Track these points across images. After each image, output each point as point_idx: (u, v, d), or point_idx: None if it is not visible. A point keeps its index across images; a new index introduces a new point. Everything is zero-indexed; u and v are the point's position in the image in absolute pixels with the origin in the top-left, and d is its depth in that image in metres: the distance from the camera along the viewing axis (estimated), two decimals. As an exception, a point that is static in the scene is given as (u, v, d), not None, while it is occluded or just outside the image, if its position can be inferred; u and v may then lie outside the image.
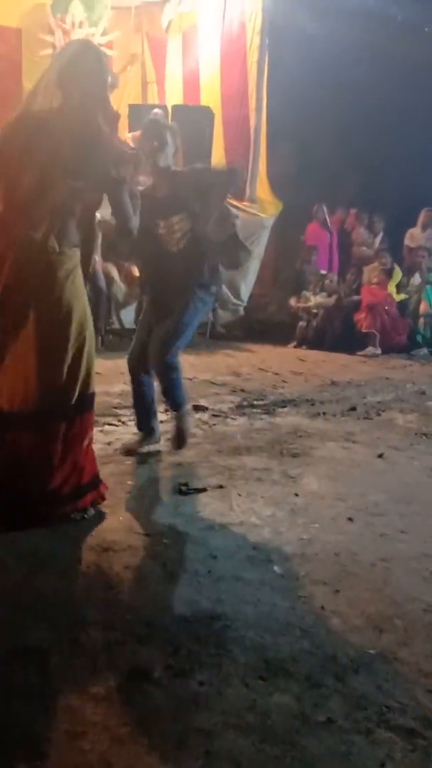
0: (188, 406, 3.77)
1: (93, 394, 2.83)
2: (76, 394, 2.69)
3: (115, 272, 7.17)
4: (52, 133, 2.52)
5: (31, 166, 2.50)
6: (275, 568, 2.46)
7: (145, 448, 3.67)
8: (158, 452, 3.66)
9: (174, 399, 3.63)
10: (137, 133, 7.99)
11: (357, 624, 2.14)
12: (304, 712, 1.73)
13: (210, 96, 9.01)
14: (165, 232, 3.54)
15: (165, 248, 3.57)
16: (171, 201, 3.49)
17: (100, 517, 2.78)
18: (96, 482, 2.84)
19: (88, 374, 2.75)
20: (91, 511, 2.77)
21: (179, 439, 3.66)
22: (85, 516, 2.75)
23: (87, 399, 2.77)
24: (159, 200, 3.50)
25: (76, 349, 2.67)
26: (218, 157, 8.76)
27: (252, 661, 1.92)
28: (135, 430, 3.98)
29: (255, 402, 4.95)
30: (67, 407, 2.66)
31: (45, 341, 2.58)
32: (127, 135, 8.29)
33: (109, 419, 4.25)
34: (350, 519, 2.93)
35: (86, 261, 2.72)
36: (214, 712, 1.71)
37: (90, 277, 7.18)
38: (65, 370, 2.64)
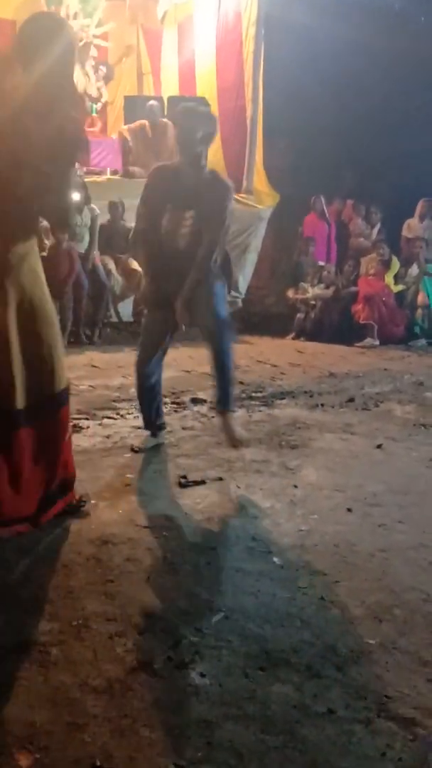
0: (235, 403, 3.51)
1: (68, 389, 2.70)
2: (52, 387, 2.58)
3: (112, 265, 7.15)
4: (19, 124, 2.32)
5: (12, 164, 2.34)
6: (275, 559, 2.47)
7: (152, 442, 3.63)
8: (157, 445, 3.65)
9: (227, 375, 3.39)
10: (134, 124, 8.00)
11: (357, 614, 2.15)
12: (305, 703, 1.74)
13: (206, 87, 8.96)
14: (170, 224, 3.30)
15: (171, 242, 3.32)
16: (192, 195, 3.26)
17: (98, 510, 2.79)
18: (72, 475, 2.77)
19: (56, 366, 2.61)
20: (86, 503, 2.77)
21: (231, 440, 3.41)
22: (82, 507, 2.74)
23: (64, 394, 2.66)
24: (178, 187, 3.28)
25: (40, 339, 2.55)
26: (215, 148, 8.72)
27: (252, 652, 1.93)
28: (133, 423, 3.99)
29: (253, 394, 4.95)
30: (45, 403, 2.57)
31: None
32: (123, 127, 8.29)
33: (108, 412, 4.24)
34: (349, 510, 2.93)
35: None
36: (215, 703, 1.72)
37: (90, 271, 7.17)
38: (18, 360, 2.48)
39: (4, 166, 2.34)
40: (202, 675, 1.82)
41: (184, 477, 3.18)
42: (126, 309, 7.37)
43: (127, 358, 5.69)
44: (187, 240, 3.30)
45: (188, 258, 3.30)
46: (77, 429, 3.73)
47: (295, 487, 3.18)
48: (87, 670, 1.82)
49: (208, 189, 3.29)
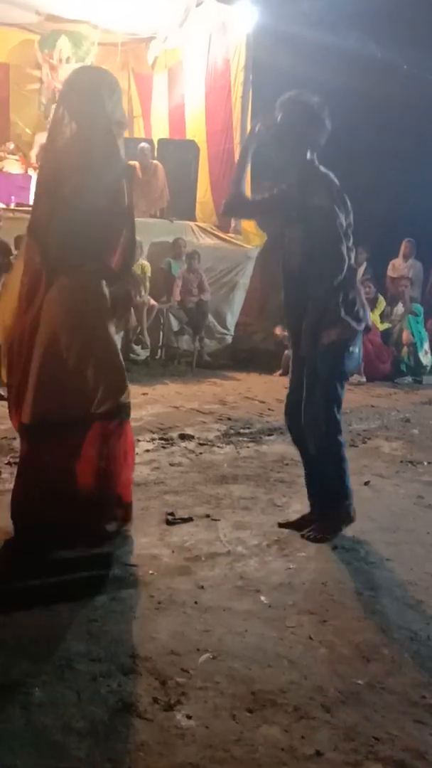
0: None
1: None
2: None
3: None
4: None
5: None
6: (262, 598, 2.45)
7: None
8: (145, 483, 3.64)
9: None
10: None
11: (345, 654, 2.13)
12: (292, 745, 1.71)
13: (195, 130, 9.18)
14: (288, 244, 2.94)
15: (288, 268, 2.94)
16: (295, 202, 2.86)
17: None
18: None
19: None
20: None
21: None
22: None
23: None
24: (289, 198, 2.89)
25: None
26: (204, 190, 8.90)
27: (239, 693, 1.90)
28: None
29: (241, 430, 4.96)
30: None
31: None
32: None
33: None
34: (336, 547, 2.92)
35: None
36: (201, 746, 1.69)
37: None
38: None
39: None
40: (189, 717, 1.79)
41: (172, 514, 3.16)
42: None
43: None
44: (299, 261, 2.94)
45: (305, 286, 2.93)
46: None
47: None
48: (70, 712, 1.78)
49: (313, 185, 2.96)
